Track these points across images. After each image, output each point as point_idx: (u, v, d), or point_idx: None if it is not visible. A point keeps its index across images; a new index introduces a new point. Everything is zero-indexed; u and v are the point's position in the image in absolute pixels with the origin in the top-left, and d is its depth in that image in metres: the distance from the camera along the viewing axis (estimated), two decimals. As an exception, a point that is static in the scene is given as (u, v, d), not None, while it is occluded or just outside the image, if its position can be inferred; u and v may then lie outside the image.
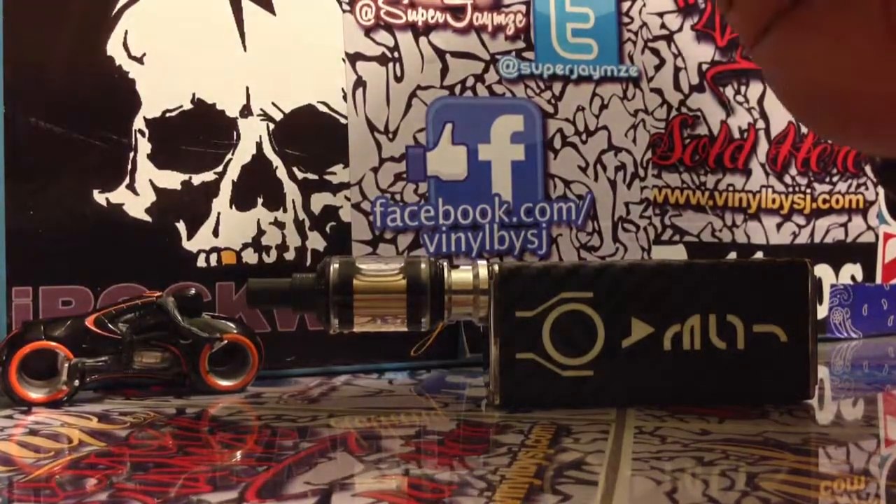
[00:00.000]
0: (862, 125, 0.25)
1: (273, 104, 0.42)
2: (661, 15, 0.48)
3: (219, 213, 0.41)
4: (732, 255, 0.49)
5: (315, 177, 0.42)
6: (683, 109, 0.48)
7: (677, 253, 0.48)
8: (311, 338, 0.42)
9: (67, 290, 0.39)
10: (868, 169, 0.52)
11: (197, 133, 0.41)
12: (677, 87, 0.48)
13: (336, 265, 0.35)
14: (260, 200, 0.42)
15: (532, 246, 0.45)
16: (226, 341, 0.38)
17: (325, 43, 0.43)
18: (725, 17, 0.28)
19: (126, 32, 0.40)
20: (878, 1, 0.23)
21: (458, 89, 0.44)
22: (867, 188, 0.53)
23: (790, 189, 0.51)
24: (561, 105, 0.46)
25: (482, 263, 0.35)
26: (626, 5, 0.47)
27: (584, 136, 0.46)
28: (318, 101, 0.43)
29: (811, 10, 0.25)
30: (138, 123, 0.40)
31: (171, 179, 0.40)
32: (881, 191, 0.53)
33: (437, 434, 0.31)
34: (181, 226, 0.41)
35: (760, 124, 0.50)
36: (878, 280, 0.53)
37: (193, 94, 0.41)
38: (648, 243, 0.47)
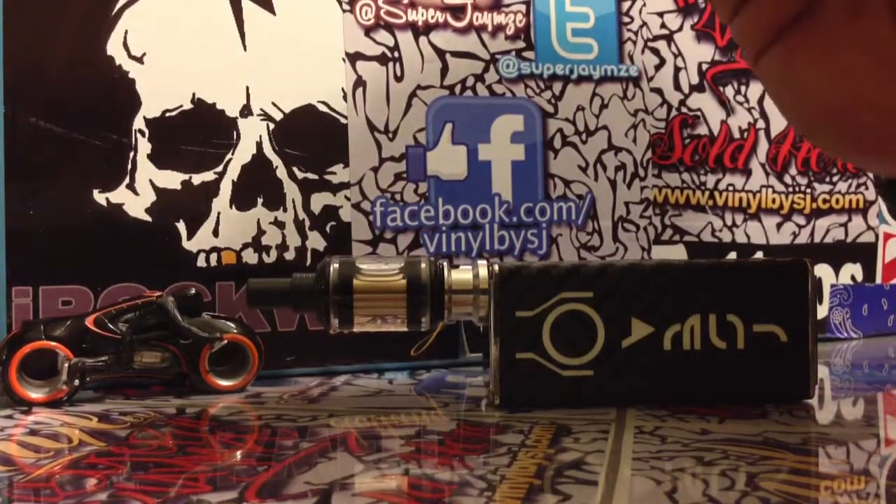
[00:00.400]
0: (870, 142, 0.25)
1: (273, 104, 0.42)
2: (661, 15, 0.48)
3: (219, 213, 0.41)
4: (732, 255, 0.49)
5: (315, 177, 0.42)
6: (683, 109, 0.49)
7: (677, 253, 0.48)
8: (311, 338, 0.42)
9: (67, 290, 0.39)
10: (872, 183, 0.52)
11: (197, 133, 0.41)
12: (677, 86, 0.48)
13: (336, 265, 0.35)
14: (260, 200, 0.42)
15: (532, 246, 0.45)
16: (226, 341, 0.38)
17: (325, 43, 0.43)
18: (730, 27, 0.27)
19: (126, 32, 0.40)
20: (889, 13, 0.23)
21: (458, 89, 0.44)
22: (867, 188, 0.53)
23: (790, 189, 0.51)
24: (561, 105, 0.46)
25: (482, 263, 0.35)
26: (626, 5, 0.47)
27: (584, 136, 0.46)
28: (318, 101, 0.43)
29: (818, 21, 0.24)
30: (138, 123, 0.40)
31: (171, 179, 0.40)
32: (882, 204, 0.53)
33: (437, 434, 0.31)
34: (181, 226, 0.41)
35: (760, 124, 0.50)
36: (878, 280, 0.53)
37: (193, 94, 0.41)
38: (648, 243, 0.47)
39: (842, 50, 0.24)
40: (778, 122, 0.51)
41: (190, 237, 0.41)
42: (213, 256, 0.41)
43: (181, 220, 0.41)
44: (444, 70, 0.44)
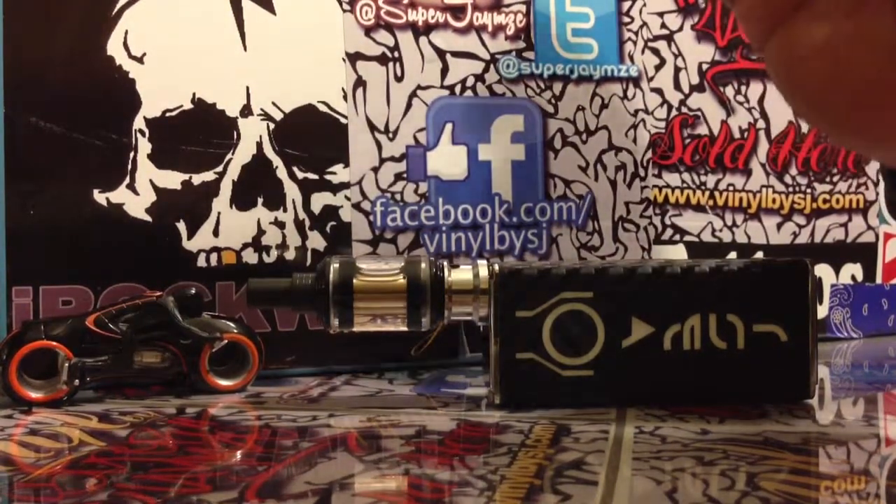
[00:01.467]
0: (873, 135, 0.25)
1: (273, 104, 0.42)
2: (661, 15, 0.48)
3: (219, 213, 0.41)
4: (732, 255, 0.49)
5: (315, 176, 0.42)
6: (683, 109, 0.48)
7: (677, 253, 0.48)
8: (311, 338, 0.42)
9: (67, 290, 0.39)
10: (879, 170, 0.52)
11: (197, 133, 0.41)
12: (677, 86, 0.48)
13: (336, 265, 0.35)
14: (260, 200, 0.42)
15: (532, 246, 0.45)
16: (226, 341, 0.38)
17: (325, 43, 0.43)
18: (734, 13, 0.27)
19: (126, 32, 0.40)
20: (893, 7, 0.22)
21: (458, 89, 0.44)
22: (867, 188, 0.53)
23: (790, 189, 0.51)
24: (561, 105, 0.46)
25: (482, 263, 0.35)
26: (626, 5, 0.47)
27: (584, 136, 0.46)
28: (318, 101, 0.43)
29: (817, 12, 0.24)
30: (138, 123, 0.40)
31: (171, 179, 0.40)
32: (881, 190, 0.53)
33: (437, 434, 0.31)
34: (181, 226, 0.41)
35: (761, 124, 0.50)
36: (879, 280, 0.53)
37: (193, 94, 0.41)
38: (648, 243, 0.47)
39: (842, 45, 0.23)
40: (778, 123, 0.51)
41: (190, 237, 0.41)
42: (213, 256, 0.41)
43: (181, 220, 0.41)
44: (444, 70, 0.44)
